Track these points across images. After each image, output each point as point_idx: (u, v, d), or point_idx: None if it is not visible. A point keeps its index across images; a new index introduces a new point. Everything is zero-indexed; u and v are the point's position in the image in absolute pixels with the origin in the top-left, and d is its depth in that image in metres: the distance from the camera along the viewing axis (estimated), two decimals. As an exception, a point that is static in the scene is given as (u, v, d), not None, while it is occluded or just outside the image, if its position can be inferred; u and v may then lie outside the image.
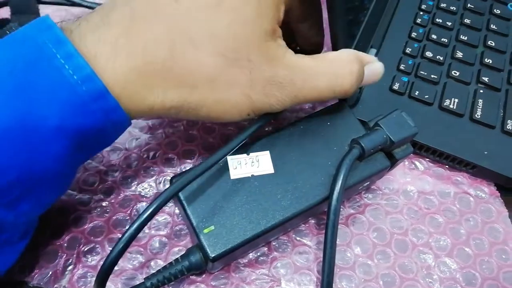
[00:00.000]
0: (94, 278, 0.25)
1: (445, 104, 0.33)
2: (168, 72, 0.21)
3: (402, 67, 0.36)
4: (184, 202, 0.24)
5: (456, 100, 0.34)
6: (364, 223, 0.29)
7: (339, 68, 0.24)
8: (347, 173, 0.25)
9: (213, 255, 0.23)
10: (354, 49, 0.30)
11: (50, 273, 0.26)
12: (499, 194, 0.31)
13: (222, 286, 0.26)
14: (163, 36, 0.20)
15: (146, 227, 0.27)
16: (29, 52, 0.19)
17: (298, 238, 0.28)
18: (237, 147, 0.24)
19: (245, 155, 0.26)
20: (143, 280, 0.24)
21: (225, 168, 0.25)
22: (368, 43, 0.36)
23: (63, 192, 0.23)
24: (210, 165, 0.23)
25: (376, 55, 0.36)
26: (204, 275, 0.26)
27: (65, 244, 0.27)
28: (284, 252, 0.28)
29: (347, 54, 0.25)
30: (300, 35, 0.28)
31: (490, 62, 0.37)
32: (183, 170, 0.26)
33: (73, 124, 0.19)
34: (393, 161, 0.27)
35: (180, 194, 0.24)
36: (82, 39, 0.20)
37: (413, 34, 0.38)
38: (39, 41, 0.19)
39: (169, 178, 0.26)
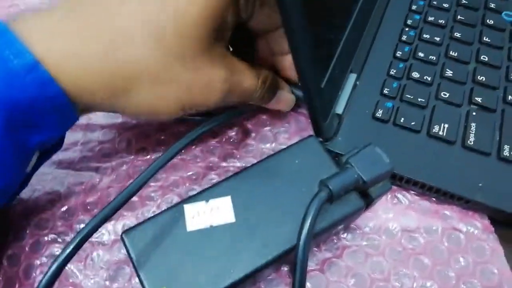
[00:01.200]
0: None
1: (434, 130, 0.30)
2: (105, 64, 0.21)
3: (386, 91, 0.33)
4: (134, 260, 0.22)
5: (446, 126, 0.31)
6: (342, 268, 0.27)
7: (262, 76, 0.27)
8: (314, 219, 0.22)
9: None
10: (328, 79, 0.28)
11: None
12: (493, 229, 0.28)
13: None
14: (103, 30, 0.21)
15: (100, 278, 0.26)
16: None
17: (268, 289, 0.26)
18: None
19: (203, 202, 0.24)
20: None
21: (182, 218, 0.23)
22: (347, 68, 0.33)
23: (6, 182, 0.22)
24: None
25: (356, 80, 0.33)
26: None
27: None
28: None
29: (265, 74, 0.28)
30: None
31: (484, 79, 0.33)
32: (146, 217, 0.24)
33: (6, 96, 0.20)
34: (368, 201, 0.25)
35: (131, 251, 0.22)
36: (23, 22, 0.21)
37: (398, 53, 0.35)
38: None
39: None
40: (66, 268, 0.25)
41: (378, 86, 0.33)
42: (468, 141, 0.30)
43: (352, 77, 0.33)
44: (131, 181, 0.23)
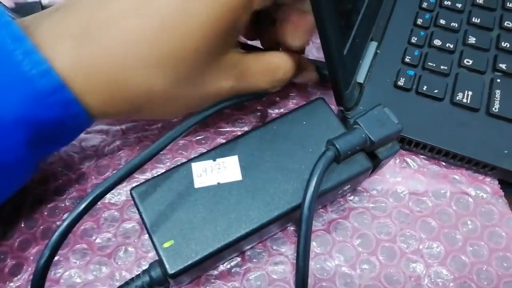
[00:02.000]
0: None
1: (457, 98, 0.30)
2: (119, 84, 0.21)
3: (407, 59, 0.32)
4: (143, 214, 0.23)
5: (470, 93, 0.30)
6: (348, 229, 0.27)
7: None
8: (321, 178, 0.22)
9: (171, 272, 0.21)
10: (350, 47, 0.28)
11: (14, 286, 0.25)
12: (503, 193, 0.28)
13: (190, 300, 0.25)
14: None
15: (112, 234, 0.26)
16: None
17: (274, 247, 0.26)
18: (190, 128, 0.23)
19: (210, 161, 0.24)
20: None
21: (189, 175, 0.24)
22: (367, 37, 0.32)
23: (21, 184, 0.23)
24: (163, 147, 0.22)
25: (377, 48, 0.32)
26: None
27: (31, 257, 0.26)
28: (259, 262, 0.26)
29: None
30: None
31: (508, 45, 0.32)
32: (155, 175, 0.24)
33: (32, 116, 0.20)
34: (376, 162, 0.25)
35: (140, 206, 0.23)
36: (41, 33, 0.20)
37: (419, 21, 0.34)
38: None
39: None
40: (81, 227, 0.26)
41: (399, 54, 0.32)
42: (493, 108, 0.29)
43: (373, 45, 0.32)
44: (142, 144, 0.24)
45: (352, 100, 0.30)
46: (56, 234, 0.20)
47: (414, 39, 0.33)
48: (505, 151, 0.28)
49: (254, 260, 0.26)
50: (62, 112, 0.20)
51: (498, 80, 0.31)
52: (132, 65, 0.20)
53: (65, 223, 0.20)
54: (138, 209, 0.23)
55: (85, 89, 0.21)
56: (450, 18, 0.34)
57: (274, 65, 0.26)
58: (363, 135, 0.24)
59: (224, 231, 0.22)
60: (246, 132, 0.26)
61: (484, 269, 0.26)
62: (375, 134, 0.24)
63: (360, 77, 0.31)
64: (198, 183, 0.24)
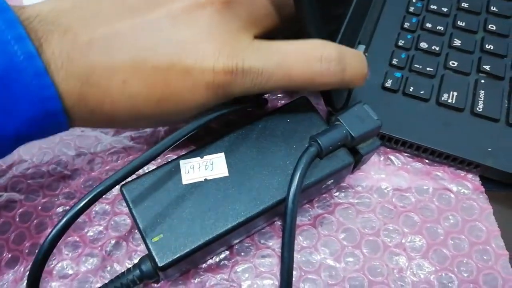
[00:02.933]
0: (52, 283, 0.25)
1: (443, 98, 0.31)
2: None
3: (394, 61, 0.33)
4: (133, 210, 0.23)
5: (455, 94, 0.31)
6: (333, 223, 0.28)
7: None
8: (304, 173, 0.23)
9: (161, 264, 0.22)
10: None
11: (10, 279, 0.26)
12: (483, 189, 0.29)
13: (179, 292, 0.25)
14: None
15: (103, 227, 0.27)
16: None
17: (262, 241, 0.27)
18: (190, 134, 0.24)
19: (198, 158, 0.25)
20: None
21: (178, 172, 0.25)
22: (355, 40, 0.33)
23: None
24: (163, 149, 0.23)
25: (365, 51, 0.34)
26: (162, 282, 0.26)
27: (26, 250, 0.27)
28: (246, 255, 0.27)
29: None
30: None
31: (492, 48, 0.34)
32: (145, 172, 0.25)
33: (28, 133, 0.21)
34: (358, 157, 0.26)
35: (130, 203, 0.24)
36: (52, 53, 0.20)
37: (406, 24, 0.35)
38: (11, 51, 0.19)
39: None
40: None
41: (386, 57, 0.34)
42: (477, 108, 0.30)
43: (361, 48, 0.33)
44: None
45: (341, 101, 0.31)
46: (56, 228, 0.20)
47: (401, 42, 0.34)
48: (489, 149, 0.29)
49: (242, 253, 0.27)
50: (52, 128, 0.22)
51: (482, 81, 0.32)
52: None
53: (65, 218, 0.20)
54: (128, 206, 0.24)
55: (77, 115, 0.22)
56: (436, 21, 0.35)
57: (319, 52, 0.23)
58: (344, 131, 0.25)
59: (212, 225, 0.23)
60: (233, 131, 0.26)
61: (464, 261, 0.26)
62: (355, 130, 0.25)
63: (348, 79, 0.32)
64: (186, 179, 0.25)
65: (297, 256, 0.26)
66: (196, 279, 0.26)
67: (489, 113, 0.30)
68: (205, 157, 0.25)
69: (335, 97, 0.30)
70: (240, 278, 0.26)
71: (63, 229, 0.20)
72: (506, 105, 0.31)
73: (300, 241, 0.27)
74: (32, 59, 0.19)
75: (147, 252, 0.23)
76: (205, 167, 0.25)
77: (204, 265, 0.26)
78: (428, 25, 0.35)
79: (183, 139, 0.23)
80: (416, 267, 0.26)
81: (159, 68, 0.21)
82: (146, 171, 0.25)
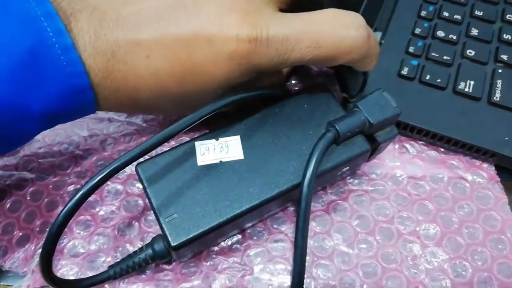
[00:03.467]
0: (63, 261, 0.25)
1: (459, 87, 0.31)
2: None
3: (411, 49, 0.33)
4: (148, 189, 0.23)
5: (472, 83, 0.31)
6: (347, 210, 0.28)
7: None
8: (320, 158, 0.23)
9: (174, 244, 0.22)
10: None
11: (21, 257, 0.26)
12: (499, 179, 0.29)
13: (191, 275, 0.25)
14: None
15: (115, 207, 0.27)
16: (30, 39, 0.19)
17: (275, 226, 0.27)
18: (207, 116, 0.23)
19: (214, 140, 0.25)
20: (107, 268, 0.23)
21: (193, 154, 0.24)
22: (371, 26, 0.33)
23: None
24: (177, 131, 0.22)
25: (381, 38, 0.33)
26: (174, 264, 0.25)
27: (37, 229, 0.27)
28: (259, 240, 0.26)
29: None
30: None
31: (510, 38, 0.33)
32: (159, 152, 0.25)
33: (55, 110, 0.21)
34: (375, 145, 0.25)
35: (145, 182, 0.23)
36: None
37: (423, 13, 0.35)
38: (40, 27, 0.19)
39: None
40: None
41: (403, 45, 0.33)
42: (494, 97, 0.30)
43: (377, 35, 0.33)
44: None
45: (356, 87, 0.31)
46: (72, 202, 0.20)
47: (418, 30, 0.34)
48: (506, 138, 0.29)
49: (255, 237, 0.27)
50: (79, 108, 0.22)
51: (500, 71, 0.32)
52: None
53: (80, 193, 0.20)
54: (143, 185, 0.24)
55: (103, 94, 0.22)
56: (453, 10, 0.35)
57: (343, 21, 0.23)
58: (362, 118, 0.24)
59: (226, 207, 0.23)
60: (249, 114, 0.26)
61: (479, 250, 0.26)
62: (374, 117, 0.24)
63: (365, 66, 0.31)
64: (201, 161, 0.24)
65: (310, 242, 0.26)
66: (208, 262, 0.26)
67: (506, 102, 0.30)
68: (220, 139, 0.25)
69: (351, 83, 0.29)
70: (252, 262, 0.26)
71: (78, 204, 0.20)
72: None
73: (313, 226, 0.27)
74: (61, 35, 0.19)
75: (160, 233, 0.23)
76: (221, 149, 0.25)
77: (216, 248, 0.26)
78: (445, 14, 0.35)
79: (200, 121, 0.23)
80: (430, 254, 0.26)
81: (181, 39, 0.21)
82: (160, 152, 0.25)
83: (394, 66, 0.32)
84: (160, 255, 0.23)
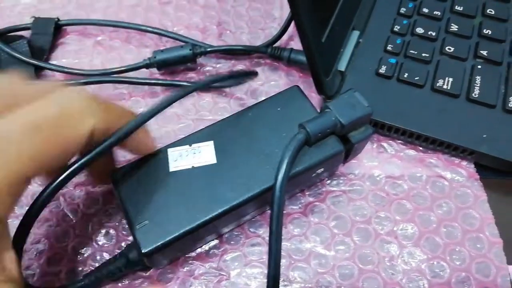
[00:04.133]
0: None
1: (438, 84, 0.30)
2: None
3: (389, 47, 0.33)
4: (121, 197, 0.23)
5: (451, 79, 0.31)
6: (324, 211, 0.28)
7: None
8: (292, 160, 0.23)
9: (145, 250, 0.22)
10: (329, 34, 0.28)
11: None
12: (478, 176, 0.28)
13: (167, 281, 0.25)
14: None
15: (92, 215, 0.27)
16: None
17: (251, 230, 0.27)
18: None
19: (186, 146, 0.25)
20: (81, 277, 0.24)
21: (165, 160, 0.25)
22: (349, 25, 0.33)
23: None
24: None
25: (359, 37, 0.33)
26: (151, 271, 0.26)
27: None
28: (236, 244, 0.27)
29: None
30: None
31: (490, 32, 0.33)
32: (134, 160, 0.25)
33: None
34: (349, 146, 0.25)
35: (118, 189, 0.24)
36: None
37: (402, 10, 0.35)
38: None
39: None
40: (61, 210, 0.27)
41: (381, 43, 0.33)
42: (473, 94, 0.30)
43: (355, 34, 0.33)
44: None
45: (333, 88, 0.31)
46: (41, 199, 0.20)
47: (396, 28, 0.34)
48: (484, 136, 0.28)
49: (231, 242, 0.27)
50: None
51: (479, 67, 0.31)
52: None
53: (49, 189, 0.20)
54: (116, 192, 0.24)
55: None
56: (433, 6, 0.35)
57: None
58: (333, 118, 0.24)
59: (198, 211, 0.23)
60: (223, 119, 0.26)
61: (457, 249, 0.26)
62: (345, 117, 0.24)
63: (342, 65, 0.31)
64: (173, 167, 0.24)
65: (286, 244, 0.26)
66: (185, 268, 0.26)
67: (485, 99, 0.30)
68: (193, 145, 0.25)
69: (327, 85, 0.29)
70: (229, 266, 0.26)
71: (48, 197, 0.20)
72: (503, 90, 0.30)
73: (290, 229, 0.27)
74: None
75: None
76: (193, 155, 0.25)
77: (193, 254, 0.26)
78: (425, 10, 0.35)
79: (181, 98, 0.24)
80: (408, 255, 0.26)
81: None
82: (134, 160, 0.25)
83: (372, 64, 0.32)
84: (134, 263, 0.23)
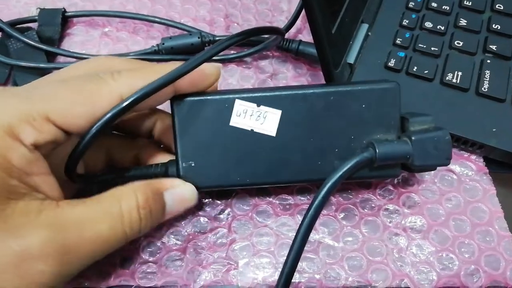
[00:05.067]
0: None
1: (447, 78, 0.30)
2: None
3: (398, 41, 0.33)
4: (176, 127, 0.23)
5: (460, 73, 0.31)
6: (333, 203, 0.27)
7: (122, 204, 0.20)
8: (346, 175, 0.21)
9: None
10: (339, 26, 0.28)
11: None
12: (487, 170, 0.28)
13: (176, 268, 0.25)
14: None
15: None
16: None
17: (260, 220, 0.27)
18: None
19: (255, 105, 0.24)
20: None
21: (229, 109, 0.24)
22: (358, 18, 0.33)
23: None
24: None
25: (368, 30, 0.33)
26: (157, 256, 0.25)
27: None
28: (244, 233, 0.26)
29: (128, 186, 0.21)
30: None
31: (499, 27, 0.33)
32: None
33: None
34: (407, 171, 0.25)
35: (175, 117, 0.23)
36: None
37: (411, 4, 0.35)
38: None
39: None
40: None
41: (390, 37, 0.33)
42: (482, 88, 0.30)
43: (364, 27, 0.33)
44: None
45: (342, 80, 0.31)
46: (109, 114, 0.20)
47: (405, 22, 0.34)
48: (493, 130, 0.28)
49: (240, 231, 0.26)
50: None
51: (488, 61, 0.31)
52: None
53: (109, 114, 0.20)
54: (173, 120, 0.23)
55: None
56: (442, 1, 0.35)
57: (128, 193, 0.21)
58: (408, 156, 0.23)
59: (239, 174, 0.24)
60: (304, 87, 0.24)
61: (466, 242, 0.26)
62: (420, 159, 0.23)
63: (351, 58, 0.31)
64: (234, 122, 0.24)
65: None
66: (194, 257, 0.26)
67: (494, 93, 0.30)
68: (261, 106, 0.24)
69: (337, 77, 0.29)
70: (237, 256, 0.26)
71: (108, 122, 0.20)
72: None
73: (298, 220, 0.27)
74: None
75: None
76: (257, 118, 0.24)
77: (202, 243, 0.26)
78: (434, 4, 0.35)
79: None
80: (416, 247, 0.26)
81: None
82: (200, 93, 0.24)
83: (381, 58, 0.32)
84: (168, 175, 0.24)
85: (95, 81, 0.20)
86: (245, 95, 0.24)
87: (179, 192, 0.23)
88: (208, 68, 0.23)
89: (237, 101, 0.24)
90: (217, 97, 0.24)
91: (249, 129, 0.24)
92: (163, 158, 0.26)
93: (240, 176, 0.24)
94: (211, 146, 0.24)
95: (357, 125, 0.24)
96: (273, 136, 0.24)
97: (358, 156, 0.22)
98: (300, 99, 0.24)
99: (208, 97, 0.23)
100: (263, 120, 0.24)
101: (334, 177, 0.21)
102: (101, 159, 0.26)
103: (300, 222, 0.21)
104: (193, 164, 0.23)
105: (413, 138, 0.23)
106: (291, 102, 0.24)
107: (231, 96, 0.24)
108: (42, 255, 0.18)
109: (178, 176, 0.24)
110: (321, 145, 0.24)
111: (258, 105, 0.24)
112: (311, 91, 0.24)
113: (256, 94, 0.24)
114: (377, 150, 0.22)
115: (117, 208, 0.20)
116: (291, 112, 0.24)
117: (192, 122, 0.23)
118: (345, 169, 0.22)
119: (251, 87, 0.33)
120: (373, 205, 0.27)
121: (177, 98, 0.23)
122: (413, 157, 0.23)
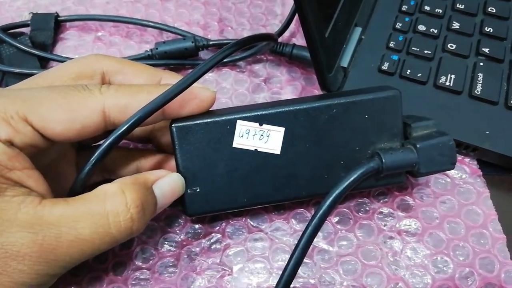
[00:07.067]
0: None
1: (440, 81, 0.30)
2: None
3: (391, 44, 0.33)
4: (177, 151, 0.23)
5: (453, 76, 0.31)
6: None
7: (107, 204, 0.19)
8: (352, 185, 0.21)
9: (190, 212, 0.24)
10: (332, 30, 0.28)
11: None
12: (481, 173, 0.28)
13: (170, 275, 0.25)
14: None
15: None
16: None
17: (254, 224, 0.27)
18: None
19: (257, 124, 0.23)
20: None
21: (231, 131, 0.23)
22: (351, 22, 0.33)
23: None
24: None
25: (362, 33, 0.33)
26: (151, 262, 0.25)
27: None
28: (238, 239, 0.26)
29: (116, 184, 0.20)
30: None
31: (491, 30, 0.33)
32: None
33: None
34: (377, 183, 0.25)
35: (176, 142, 0.23)
36: None
37: (404, 7, 0.35)
38: None
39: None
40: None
41: (383, 40, 0.33)
42: (475, 91, 0.30)
43: (357, 31, 0.33)
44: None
45: (336, 83, 0.31)
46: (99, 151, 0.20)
47: (399, 25, 0.34)
48: (487, 132, 0.28)
49: (234, 236, 0.26)
50: None
51: (481, 64, 0.31)
52: None
53: (108, 142, 0.20)
54: (173, 144, 0.23)
55: None
56: (435, 4, 0.35)
57: (114, 190, 0.20)
58: (414, 164, 0.22)
59: (245, 196, 0.24)
60: (305, 101, 0.24)
61: (460, 245, 0.26)
62: (426, 167, 0.23)
63: (344, 62, 0.31)
64: (237, 143, 0.23)
65: (289, 240, 0.26)
66: (188, 263, 0.25)
67: (487, 96, 0.30)
68: (264, 125, 0.23)
69: (330, 81, 0.29)
70: (231, 261, 0.26)
71: (106, 152, 0.20)
72: (505, 87, 0.30)
73: (293, 224, 0.27)
74: None
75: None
76: (260, 137, 0.23)
77: (196, 249, 0.26)
78: (427, 7, 0.35)
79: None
80: (411, 250, 0.26)
81: None
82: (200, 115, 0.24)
83: (374, 61, 0.32)
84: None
85: (82, 91, 0.20)
86: (246, 115, 0.23)
87: (167, 183, 0.22)
88: (203, 93, 0.23)
89: (239, 122, 0.23)
90: (218, 119, 0.23)
91: (253, 149, 0.23)
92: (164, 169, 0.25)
93: (247, 197, 0.24)
94: (215, 170, 0.23)
95: (361, 136, 0.24)
96: (278, 154, 0.24)
97: (364, 167, 0.22)
98: (302, 114, 0.23)
99: (209, 120, 0.23)
100: (267, 139, 0.23)
101: (340, 187, 0.21)
102: (99, 175, 0.25)
103: (295, 227, 0.21)
104: (198, 190, 0.23)
105: (418, 145, 0.23)
106: (293, 118, 0.23)
107: (232, 116, 0.23)
108: (19, 255, 0.18)
109: (182, 204, 0.24)
110: (326, 158, 0.24)
111: (261, 124, 0.23)
112: (313, 105, 0.23)
113: (257, 113, 0.23)
114: (383, 160, 0.22)
115: (101, 208, 0.19)
116: (294, 128, 0.23)
117: (194, 146, 0.23)
118: (351, 179, 0.21)
119: (246, 90, 0.33)
120: (367, 208, 0.27)
121: (176, 122, 0.23)
122: (419, 165, 0.22)
